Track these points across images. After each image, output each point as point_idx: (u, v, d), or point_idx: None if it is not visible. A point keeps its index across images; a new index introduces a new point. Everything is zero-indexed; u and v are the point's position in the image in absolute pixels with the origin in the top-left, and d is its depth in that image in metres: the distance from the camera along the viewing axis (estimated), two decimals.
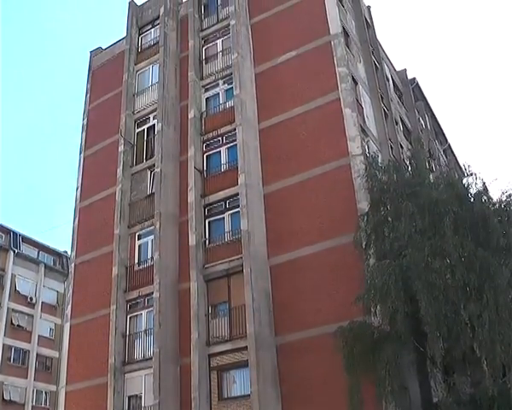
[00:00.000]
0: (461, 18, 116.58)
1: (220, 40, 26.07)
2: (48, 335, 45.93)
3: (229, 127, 23.35)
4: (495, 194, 17.87)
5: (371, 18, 29.89)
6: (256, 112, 23.72)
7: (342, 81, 22.29)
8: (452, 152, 40.16)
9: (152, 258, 22.59)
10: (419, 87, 35.55)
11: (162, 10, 27.66)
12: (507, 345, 14.43)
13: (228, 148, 23.38)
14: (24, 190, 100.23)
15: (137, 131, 26.35)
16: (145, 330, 21.85)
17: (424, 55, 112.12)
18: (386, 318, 16.00)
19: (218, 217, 22.39)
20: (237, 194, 21.59)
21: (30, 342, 44.15)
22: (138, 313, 22.56)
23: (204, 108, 24.97)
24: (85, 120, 29.32)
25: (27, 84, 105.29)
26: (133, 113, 26.59)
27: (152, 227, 23.02)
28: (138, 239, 23.98)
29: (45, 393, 44.46)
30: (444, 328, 14.77)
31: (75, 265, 25.87)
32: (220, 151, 23.58)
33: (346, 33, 24.54)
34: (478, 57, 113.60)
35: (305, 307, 19.35)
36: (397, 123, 28.38)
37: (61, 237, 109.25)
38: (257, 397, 18.05)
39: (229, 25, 25.49)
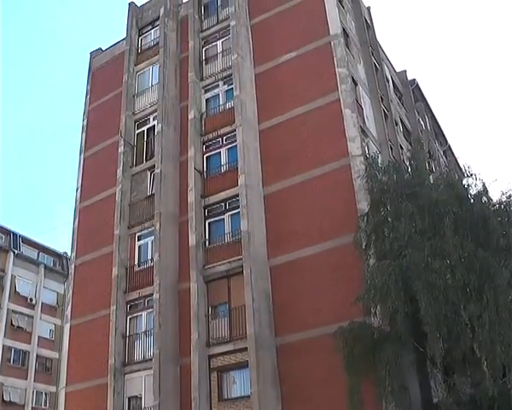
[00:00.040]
0: (461, 19, 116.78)
1: (220, 41, 26.09)
2: (48, 336, 45.90)
3: (229, 128, 23.37)
4: (495, 194, 17.93)
5: (371, 19, 29.91)
6: (256, 113, 23.73)
7: (342, 82, 22.31)
8: (452, 153, 40.14)
9: (152, 259, 22.59)
10: (419, 88, 35.58)
11: (162, 11, 27.69)
12: (507, 345, 14.44)
13: (228, 148, 23.39)
14: (24, 190, 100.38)
15: (137, 131, 26.36)
16: (145, 331, 21.85)
17: (424, 57, 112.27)
18: (386, 318, 16.00)
19: (218, 218, 22.39)
20: (237, 195, 21.59)
21: (30, 343, 44.10)
22: (138, 313, 22.56)
23: (204, 109, 24.99)
24: (85, 120, 29.34)
25: (27, 85, 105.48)
26: (133, 113, 26.60)
27: (152, 228, 23.03)
28: (138, 240, 23.98)
29: (45, 394, 44.41)
30: (444, 328, 14.78)
31: (75, 265, 25.87)
32: (220, 152, 23.60)
33: (345, 34, 24.57)
34: (478, 58, 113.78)
35: (305, 307, 19.35)
36: (397, 124, 28.40)
37: (61, 238, 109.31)
38: (257, 398, 18.05)
39: (229, 25, 25.51)
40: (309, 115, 22.38)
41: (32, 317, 45.01)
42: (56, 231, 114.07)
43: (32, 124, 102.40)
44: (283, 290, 20.10)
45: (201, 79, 25.40)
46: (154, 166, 24.07)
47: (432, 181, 19.49)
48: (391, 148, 24.85)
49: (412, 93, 34.29)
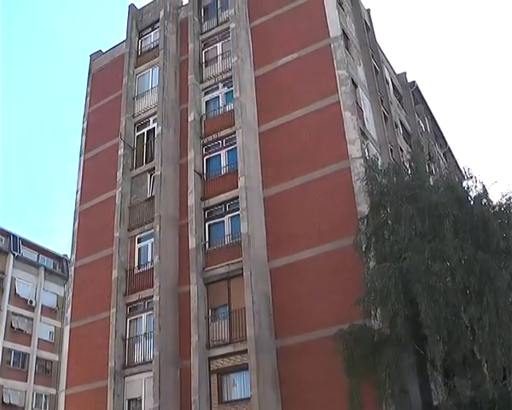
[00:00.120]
0: (461, 21, 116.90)
1: (220, 43, 26.12)
2: (48, 338, 45.88)
3: (228, 130, 23.37)
4: (495, 197, 17.88)
5: (371, 21, 29.92)
6: (256, 115, 23.74)
7: (342, 84, 22.32)
8: (452, 155, 40.17)
9: (152, 261, 22.60)
10: (419, 90, 35.59)
11: (162, 13, 27.72)
12: (507, 348, 14.43)
13: (228, 151, 23.39)
14: (24, 192, 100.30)
15: (137, 134, 26.39)
16: (145, 334, 21.84)
17: (424, 59, 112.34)
18: (386, 321, 16.01)
19: (218, 220, 22.39)
20: (237, 197, 21.60)
21: (30, 346, 44.09)
22: (138, 316, 22.56)
23: (204, 111, 25.01)
24: (85, 123, 29.37)
25: (27, 85, 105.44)
26: (133, 116, 26.63)
27: (152, 230, 23.03)
28: (138, 242, 23.99)
29: (45, 396, 44.35)
30: (444, 331, 14.77)
31: (75, 268, 25.87)
32: (220, 154, 23.60)
33: (345, 36, 24.57)
34: (477, 61, 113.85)
35: (305, 309, 19.34)
36: (396, 126, 28.40)
37: (60, 241, 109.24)
38: (257, 400, 18.03)
39: (228, 28, 25.54)
40: (309, 118, 22.38)
41: (32, 319, 45.00)
42: (56, 233, 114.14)
43: (32, 125, 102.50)
44: (283, 293, 20.09)
45: (201, 82, 25.41)
46: (154, 168, 24.08)
47: (432, 183, 19.48)
48: (391, 150, 24.85)
49: (412, 95, 34.31)
